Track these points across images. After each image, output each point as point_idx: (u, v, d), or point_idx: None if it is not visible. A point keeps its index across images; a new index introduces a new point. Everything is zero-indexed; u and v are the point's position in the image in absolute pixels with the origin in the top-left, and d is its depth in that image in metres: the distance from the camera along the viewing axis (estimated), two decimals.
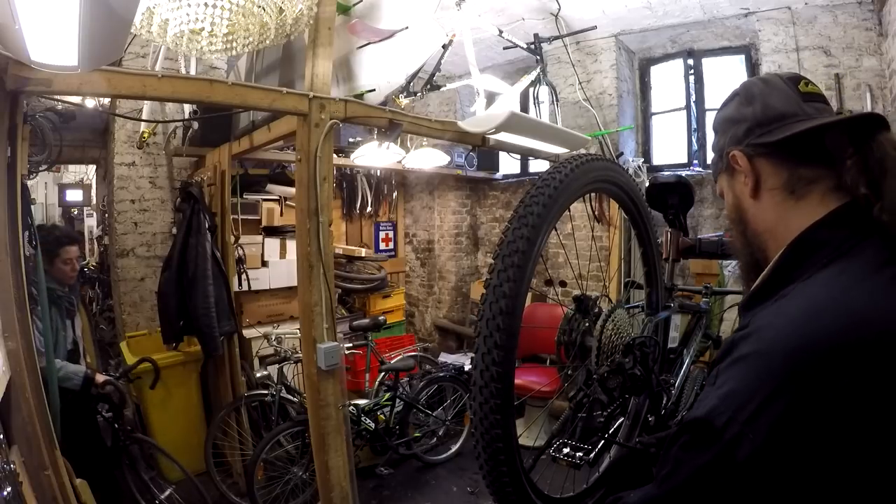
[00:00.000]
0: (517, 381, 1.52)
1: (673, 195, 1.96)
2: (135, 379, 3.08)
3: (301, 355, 2.82)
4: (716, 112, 0.88)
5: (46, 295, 2.31)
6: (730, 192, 0.83)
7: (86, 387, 2.45)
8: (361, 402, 3.56)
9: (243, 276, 3.84)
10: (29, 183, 2.32)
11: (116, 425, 2.65)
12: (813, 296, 0.64)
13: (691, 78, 4.39)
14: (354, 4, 2.51)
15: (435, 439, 4.02)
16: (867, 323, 0.58)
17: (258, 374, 3.56)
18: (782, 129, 0.75)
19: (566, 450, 1.26)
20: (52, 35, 1.12)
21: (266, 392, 3.36)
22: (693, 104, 4.39)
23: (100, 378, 2.53)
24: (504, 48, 3.89)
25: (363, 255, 5.04)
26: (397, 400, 3.66)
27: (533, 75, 3.81)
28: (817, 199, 0.72)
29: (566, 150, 3.30)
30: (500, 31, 3.54)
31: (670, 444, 0.64)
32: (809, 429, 0.54)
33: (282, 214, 4.34)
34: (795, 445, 0.55)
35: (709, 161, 4.32)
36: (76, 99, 3.33)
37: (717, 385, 0.62)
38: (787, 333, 0.60)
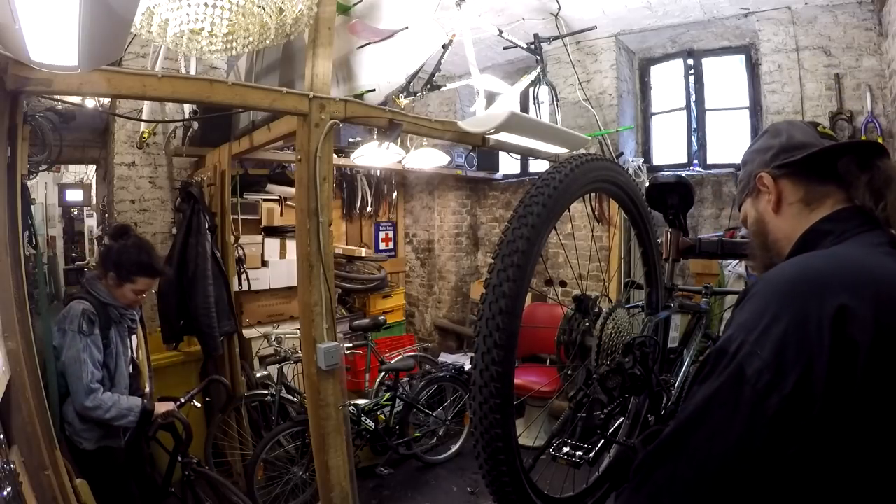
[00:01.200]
0: (517, 380, 1.52)
1: (673, 195, 1.96)
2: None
3: (301, 355, 2.82)
4: (743, 153, 1.02)
5: (100, 315, 2.15)
6: (753, 211, 0.96)
7: (143, 420, 2.22)
8: (361, 402, 3.56)
9: (243, 276, 3.84)
10: (29, 183, 2.29)
11: (180, 458, 2.42)
12: (812, 254, 0.79)
13: (691, 78, 4.39)
14: (354, 4, 2.51)
15: (435, 439, 4.02)
16: (856, 267, 0.70)
17: (258, 374, 3.56)
18: (802, 152, 0.88)
19: (566, 449, 1.26)
20: (52, 35, 1.12)
21: (266, 392, 3.36)
22: (693, 104, 4.39)
23: (161, 408, 2.29)
24: (504, 48, 3.89)
25: (363, 255, 5.04)
26: (397, 400, 3.66)
27: (533, 75, 3.81)
28: (828, 206, 0.85)
29: (566, 150, 3.30)
30: (500, 31, 3.54)
31: (691, 382, 0.73)
32: (808, 341, 0.61)
33: (282, 214, 4.34)
34: (797, 357, 0.61)
35: (709, 161, 4.33)
36: (76, 99, 3.32)
37: (732, 324, 0.71)
38: (788, 269, 0.74)
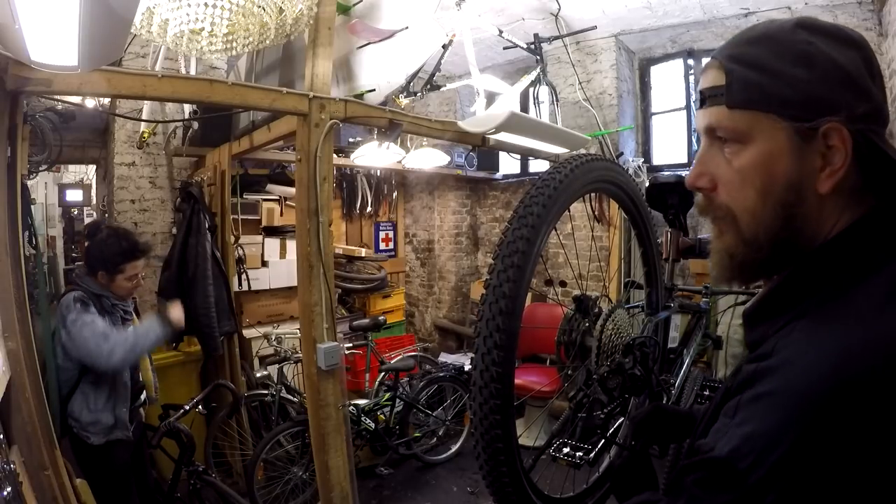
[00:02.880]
0: (517, 381, 1.52)
1: (673, 195, 1.96)
2: None
3: (301, 355, 2.82)
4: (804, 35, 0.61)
5: (93, 302, 2.19)
6: (786, 159, 0.61)
7: (167, 328, 2.29)
8: (361, 402, 3.56)
9: (243, 276, 3.84)
10: (29, 183, 2.28)
11: (188, 467, 2.42)
12: (849, 327, 0.53)
13: (691, 78, 4.39)
14: (354, 4, 2.51)
15: (435, 439, 4.02)
16: None
17: (258, 374, 3.56)
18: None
19: (566, 449, 1.26)
20: (52, 35, 1.12)
21: (266, 392, 3.36)
22: (693, 104, 4.39)
23: (175, 311, 2.33)
24: (504, 48, 3.89)
25: (363, 255, 5.04)
26: (397, 400, 3.66)
27: (533, 75, 3.81)
28: (865, 205, 0.61)
29: (566, 150, 3.30)
30: (500, 31, 3.54)
31: (684, 472, 0.59)
32: (844, 476, 0.49)
33: (282, 214, 4.34)
34: (828, 492, 0.49)
35: None
36: (76, 99, 3.32)
37: (737, 420, 0.55)
38: (820, 373, 0.50)
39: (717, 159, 0.66)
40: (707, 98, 0.66)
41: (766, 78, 0.61)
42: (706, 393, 1.76)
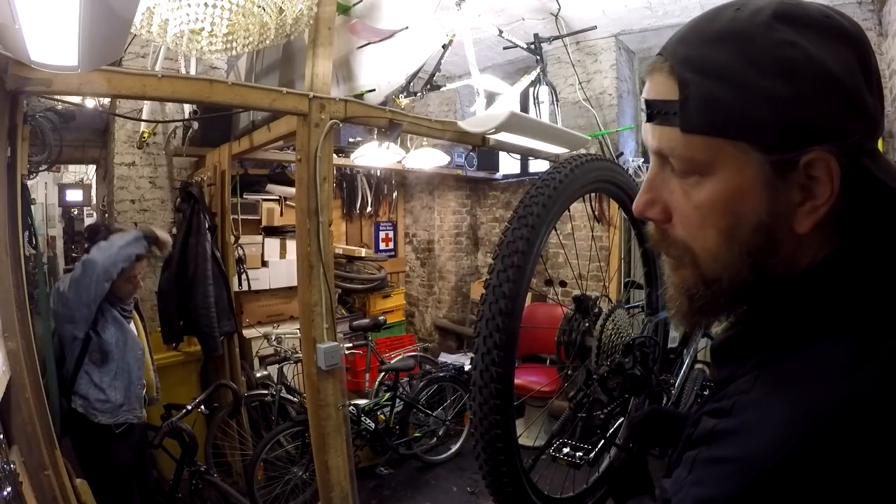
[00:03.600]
0: (517, 381, 1.52)
1: None
2: None
3: (301, 355, 2.82)
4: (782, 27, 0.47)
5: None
6: (756, 196, 0.50)
7: (150, 241, 2.30)
8: (361, 402, 3.56)
9: (243, 276, 3.84)
10: (29, 183, 2.29)
11: (190, 467, 2.42)
12: (812, 389, 0.46)
13: None
14: (354, 4, 2.51)
15: (435, 439, 4.02)
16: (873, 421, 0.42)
17: (258, 374, 3.56)
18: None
19: (566, 449, 1.26)
20: (52, 35, 1.12)
21: (266, 392, 3.36)
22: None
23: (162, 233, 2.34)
24: (504, 48, 3.89)
25: (363, 255, 5.04)
26: (397, 400, 3.66)
27: (533, 75, 3.81)
28: (837, 240, 0.51)
29: (566, 150, 3.30)
30: (500, 31, 3.54)
31: None
32: None
33: (282, 214, 4.34)
34: None
35: None
36: (76, 99, 3.32)
37: (692, 479, 0.49)
38: (775, 443, 0.44)
39: (670, 185, 0.55)
40: (655, 114, 0.53)
41: (732, 93, 0.47)
42: (705, 393, 1.76)
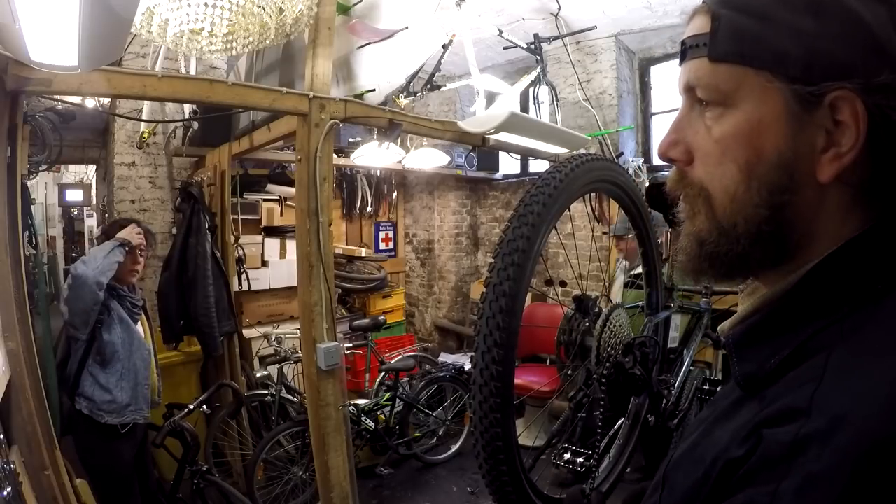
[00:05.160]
0: (517, 380, 1.52)
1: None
2: None
3: (301, 355, 2.82)
4: None
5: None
6: (778, 130, 0.48)
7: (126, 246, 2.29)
8: (361, 402, 3.56)
9: (243, 276, 3.84)
10: (29, 183, 2.29)
11: (192, 466, 2.42)
12: None
13: None
14: (354, 4, 2.51)
15: (435, 439, 4.02)
16: None
17: (258, 374, 3.56)
18: None
19: (567, 455, 1.26)
20: (52, 35, 1.12)
21: (266, 392, 3.36)
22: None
23: (126, 232, 2.34)
24: (504, 48, 3.89)
25: (363, 255, 5.04)
26: (397, 400, 3.66)
27: (533, 75, 3.81)
28: (874, 213, 0.49)
29: (566, 150, 3.30)
30: (500, 31, 3.55)
31: None
32: None
33: (282, 214, 4.34)
34: None
35: None
36: (76, 99, 3.32)
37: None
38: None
39: (695, 125, 0.54)
40: (688, 49, 0.54)
41: (760, 25, 0.48)
42: (706, 387, 1.76)
